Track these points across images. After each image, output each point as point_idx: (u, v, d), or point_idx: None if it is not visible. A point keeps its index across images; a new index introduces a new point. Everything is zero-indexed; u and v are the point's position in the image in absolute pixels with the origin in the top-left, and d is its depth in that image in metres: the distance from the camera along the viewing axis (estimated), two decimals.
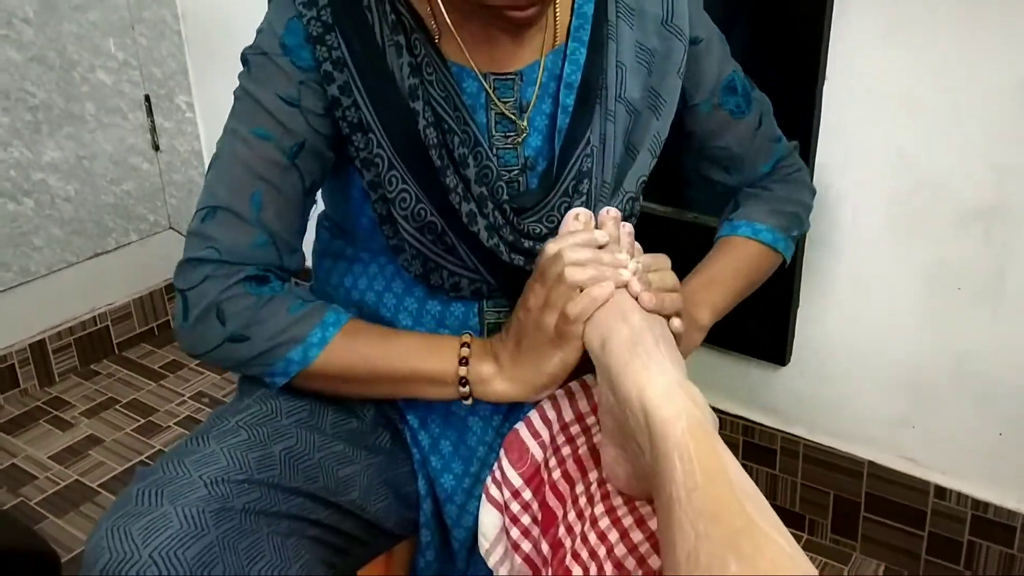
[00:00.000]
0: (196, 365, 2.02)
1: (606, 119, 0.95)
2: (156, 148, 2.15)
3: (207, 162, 2.14)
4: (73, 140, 1.97)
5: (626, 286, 0.83)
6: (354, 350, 0.89)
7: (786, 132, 1.25)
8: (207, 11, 2.01)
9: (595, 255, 0.84)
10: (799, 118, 1.25)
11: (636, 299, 0.83)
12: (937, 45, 1.14)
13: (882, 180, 1.24)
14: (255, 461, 0.83)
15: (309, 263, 1.07)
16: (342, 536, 0.90)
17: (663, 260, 0.89)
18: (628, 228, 0.89)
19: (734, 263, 1.06)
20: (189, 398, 1.91)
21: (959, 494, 1.33)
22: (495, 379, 0.89)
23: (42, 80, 1.90)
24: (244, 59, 0.92)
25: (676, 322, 0.85)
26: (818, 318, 1.37)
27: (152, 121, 2.12)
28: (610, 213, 0.88)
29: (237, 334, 0.87)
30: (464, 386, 0.89)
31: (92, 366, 2.02)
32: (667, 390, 0.75)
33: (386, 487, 0.96)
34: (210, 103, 2.12)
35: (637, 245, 0.90)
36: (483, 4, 0.83)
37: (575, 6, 0.96)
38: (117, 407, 1.88)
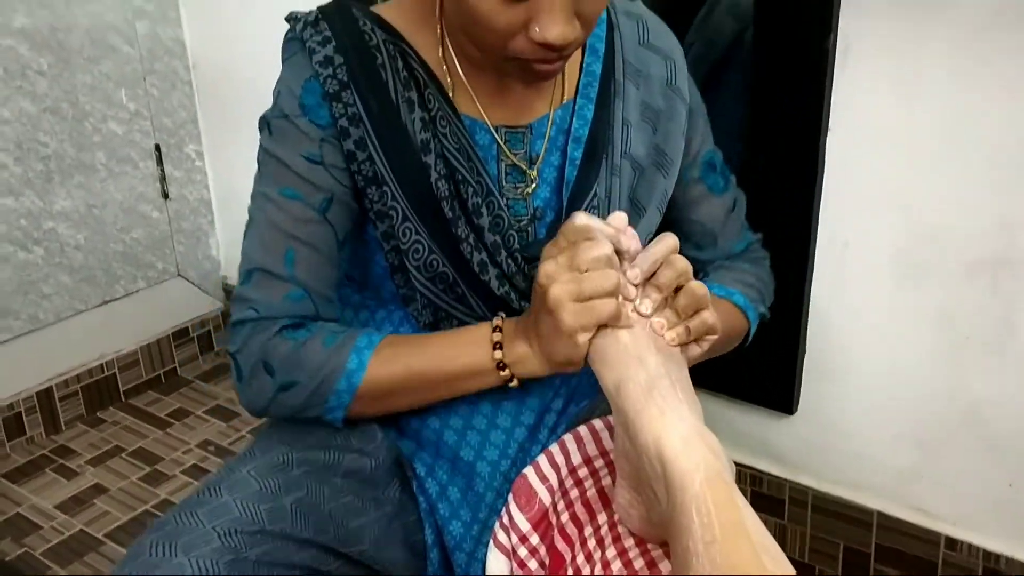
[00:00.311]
0: (202, 413, 2.02)
1: (612, 174, 0.97)
2: (165, 196, 2.17)
3: (216, 210, 2.20)
4: (84, 189, 2.00)
5: (632, 308, 0.81)
6: (393, 364, 0.90)
7: (791, 183, 1.27)
8: (217, 62, 2.04)
9: (618, 267, 0.81)
10: (804, 168, 1.26)
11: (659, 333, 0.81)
12: (942, 98, 1.16)
13: (889, 230, 1.25)
14: (267, 513, 0.83)
15: None
16: None
17: (677, 263, 0.82)
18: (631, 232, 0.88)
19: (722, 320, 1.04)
20: (195, 446, 1.90)
21: (970, 545, 1.32)
22: (530, 358, 0.87)
23: (55, 130, 1.92)
24: (266, 123, 0.94)
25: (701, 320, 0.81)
26: (826, 367, 1.37)
27: (162, 170, 2.14)
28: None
29: (286, 382, 0.90)
30: (504, 369, 0.88)
31: (98, 413, 2.02)
32: (685, 439, 0.75)
33: (396, 537, 0.96)
34: (219, 152, 2.15)
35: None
36: (510, 57, 0.84)
37: (584, 64, 0.99)
38: (123, 455, 1.88)
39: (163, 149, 2.13)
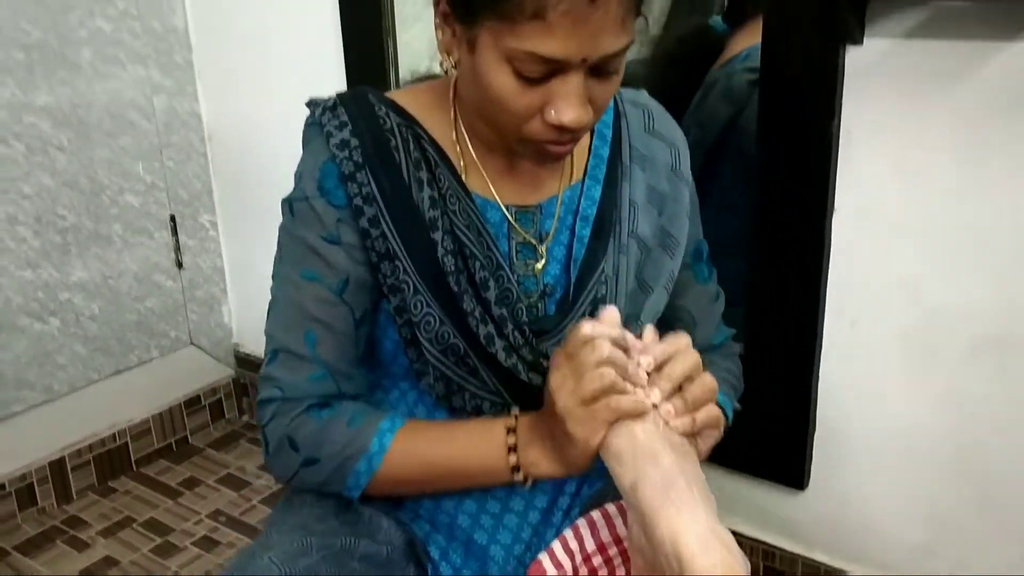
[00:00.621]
0: (213, 482, 2.03)
1: (619, 252, 1.00)
2: (180, 266, 2.20)
3: (228, 278, 2.22)
4: (100, 260, 2.03)
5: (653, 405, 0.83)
6: (411, 454, 0.94)
7: (799, 262, 1.29)
8: (231, 133, 2.09)
9: (624, 361, 0.83)
10: (811, 248, 1.28)
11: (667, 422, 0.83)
12: (944, 180, 1.18)
13: (896, 309, 1.26)
14: None
15: None
16: None
17: (688, 356, 0.85)
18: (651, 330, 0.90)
19: None
20: (206, 516, 1.90)
21: None
22: (544, 462, 0.90)
23: (73, 204, 1.96)
24: (288, 205, 0.97)
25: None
26: (837, 442, 1.38)
27: (177, 240, 2.17)
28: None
29: (310, 458, 0.94)
30: (518, 471, 0.91)
31: (110, 483, 2.02)
32: (702, 539, 0.76)
33: None
34: (233, 221, 2.18)
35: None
36: (524, 138, 0.88)
37: (592, 148, 1.02)
38: (134, 526, 1.88)
39: (178, 219, 2.17)
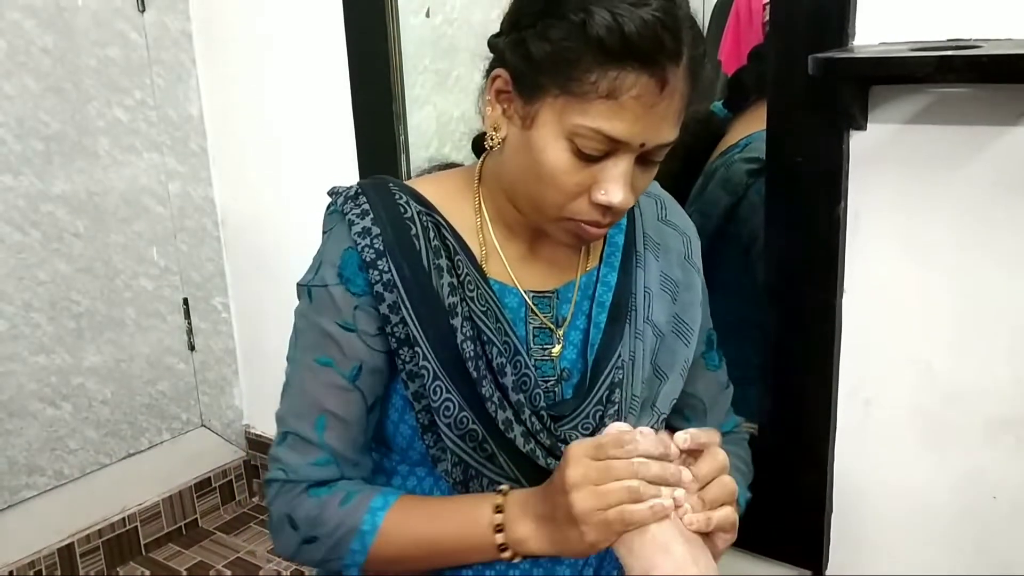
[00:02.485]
0: (223, 566, 2.00)
1: (635, 337, 1.01)
2: (192, 348, 2.21)
3: (240, 359, 2.23)
4: (113, 344, 2.04)
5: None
6: (402, 533, 0.94)
7: (811, 343, 1.29)
8: (244, 217, 2.12)
9: (655, 463, 0.83)
10: (822, 328, 1.29)
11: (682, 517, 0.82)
12: (952, 260, 1.19)
13: (909, 389, 1.26)
14: None
15: None
16: None
17: (717, 456, 0.86)
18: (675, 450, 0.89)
19: None
20: None
21: None
22: (531, 540, 0.88)
23: (87, 289, 1.98)
24: (307, 291, 0.98)
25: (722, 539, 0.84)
26: (854, 525, 1.36)
27: (189, 323, 2.19)
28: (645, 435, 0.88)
29: (308, 536, 0.95)
30: (504, 551, 0.89)
31: (118, 569, 2.00)
32: None
33: None
34: (245, 303, 2.20)
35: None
36: (564, 217, 0.90)
37: (607, 236, 1.04)
38: None
39: (191, 302, 2.18)
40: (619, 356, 0.99)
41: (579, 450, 0.84)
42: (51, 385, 1.93)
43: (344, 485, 0.97)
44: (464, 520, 0.92)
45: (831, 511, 1.37)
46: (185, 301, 2.18)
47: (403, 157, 1.78)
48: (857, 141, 1.22)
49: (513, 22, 0.89)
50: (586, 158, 0.86)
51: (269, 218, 2.07)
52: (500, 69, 0.90)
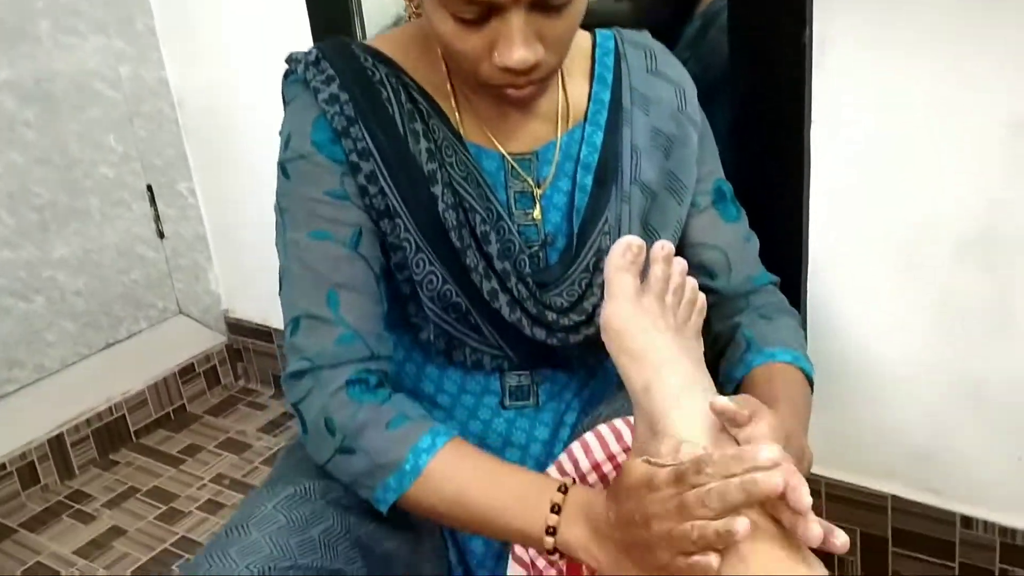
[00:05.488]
0: (214, 447, 2.03)
1: (621, 200, 0.98)
2: (161, 236, 2.18)
3: (212, 245, 2.20)
4: (79, 235, 2.01)
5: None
6: (446, 487, 0.86)
7: (776, 179, 1.28)
8: (202, 99, 2.05)
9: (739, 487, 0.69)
10: (789, 162, 1.27)
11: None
12: (925, 83, 1.17)
13: (880, 218, 1.26)
14: (297, 546, 0.84)
15: None
16: None
17: (764, 424, 0.78)
18: (682, 265, 0.88)
19: (802, 391, 0.98)
20: (209, 481, 1.91)
21: (985, 522, 1.32)
22: (586, 548, 0.80)
23: (46, 180, 1.93)
24: (282, 168, 0.94)
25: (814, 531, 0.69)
26: (830, 359, 1.38)
27: (155, 210, 2.15)
28: (664, 248, 0.86)
29: (346, 445, 0.88)
30: (553, 553, 0.83)
31: (111, 456, 2.02)
32: (713, 436, 0.77)
33: (425, 560, 0.97)
34: (211, 187, 2.16)
35: (701, 298, 0.90)
36: (482, 83, 0.86)
37: (592, 93, 1.00)
38: (138, 496, 1.88)
39: (155, 189, 2.14)
40: (606, 221, 0.97)
41: (652, 477, 0.73)
42: (21, 279, 1.91)
43: (391, 400, 0.90)
44: (519, 502, 0.83)
45: (807, 341, 1.38)
46: (149, 188, 2.13)
47: (358, 24, 1.72)
48: None
49: None
50: (469, 22, 0.80)
51: (227, 97, 2.00)
52: None
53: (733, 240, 1.06)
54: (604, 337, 0.85)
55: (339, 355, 0.89)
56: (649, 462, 0.75)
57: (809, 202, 1.30)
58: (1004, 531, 1.31)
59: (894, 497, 1.39)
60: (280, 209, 0.94)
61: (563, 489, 0.82)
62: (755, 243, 1.10)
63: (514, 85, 0.85)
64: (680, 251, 1.09)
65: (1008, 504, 1.31)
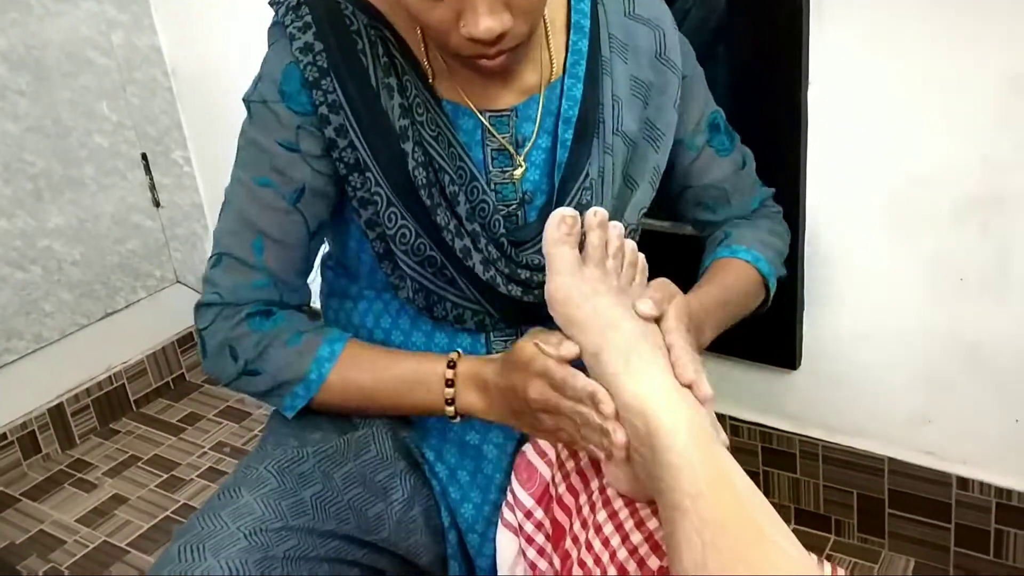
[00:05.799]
0: (214, 415, 2.04)
1: (604, 152, 0.97)
2: (157, 204, 2.17)
3: (208, 214, 2.20)
4: (75, 204, 2.00)
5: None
6: (350, 384, 0.95)
7: (773, 140, 1.27)
8: (195, 66, 2.03)
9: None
10: (789, 122, 1.27)
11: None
12: (920, 42, 1.16)
13: (876, 180, 1.25)
14: (288, 508, 0.84)
15: (317, 304, 1.09)
16: (380, 575, 0.92)
17: (678, 305, 0.88)
18: (619, 229, 0.90)
19: (742, 287, 1.06)
20: (209, 449, 1.92)
21: (981, 483, 1.33)
22: (479, 412, 0.93)
23: (40, 148, 1.92)
24: (247, 105, 0.94)
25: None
26: (825, 320, 1.38)
27: (151, 178, 2.14)
28: (597, 216, 0.88)
29: (250, 369, 0.94)
30: (455, 417, 0.94)
31: (111, 425, 2.03)
32: (667, 398, 0.77)
33: (417, 522, 0.97)
34: (207, 155, 2.14)
35: (641, 258, 0.91)
36: (453, 54, 0.86)
37: (570, 43, 0.98)
38: (139, 464, 1.89)
39: (150, 157, 2.13)
40: (587, 175, 0.95)
41: (533, 360, 0.85)
42: (17, 249, 1.90)
43: (287, 320, 0.95)
44: (415, 378, 0.94)
45: (803, 308, 1.38)
46: (144, 156, 2.12)
47: None
48: None
49: None
50: None
51: (220, 63, 1.98)
52: None
53: (730, 172, 1.11)
54: (551, 311, 0.87)
55: (248, 296, 0.95)
56: (537, 346, 0.84)
57: (806, 163, 1.29)
58: (1000, 492, 1.32)
59: (890, 459, 1.40)
60: (238, 144, 0.96)
61: (451, 364, 0.93)
62: (750, 166, 1.14)
63: (484, 55, 0.84)
64: (680, 192, 1.11)
65: (1003, 465, 1.32)
